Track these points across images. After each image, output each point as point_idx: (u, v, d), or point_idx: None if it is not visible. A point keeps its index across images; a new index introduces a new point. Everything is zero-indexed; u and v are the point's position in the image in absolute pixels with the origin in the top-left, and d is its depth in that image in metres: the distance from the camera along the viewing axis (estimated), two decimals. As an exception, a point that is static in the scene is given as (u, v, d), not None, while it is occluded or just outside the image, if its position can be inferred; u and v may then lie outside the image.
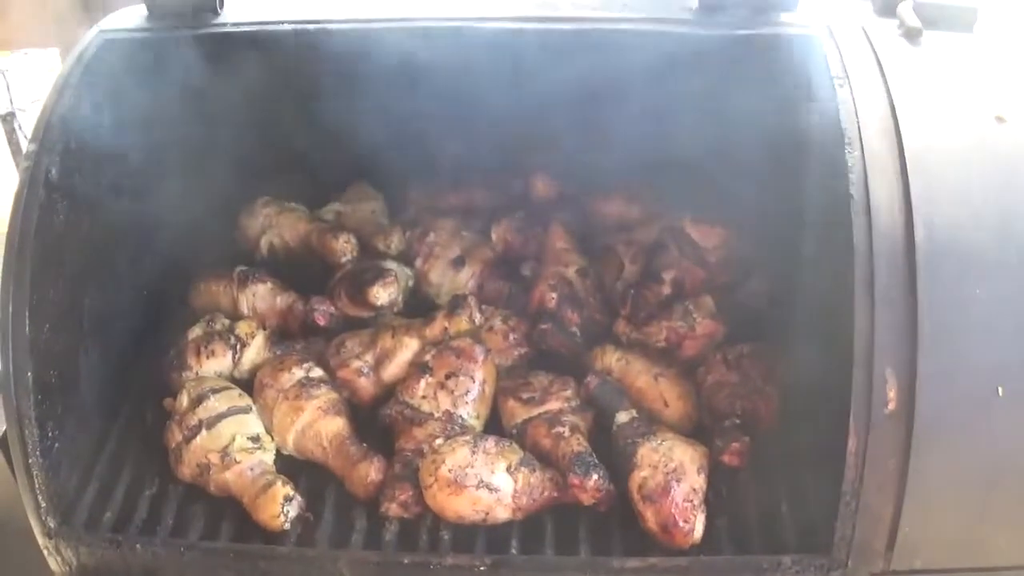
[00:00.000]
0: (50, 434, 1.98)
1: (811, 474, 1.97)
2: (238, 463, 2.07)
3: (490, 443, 2.03)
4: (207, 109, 2.35)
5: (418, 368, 2.23)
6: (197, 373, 2.32)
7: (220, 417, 2.14)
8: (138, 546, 1.93)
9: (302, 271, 2.65)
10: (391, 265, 2.57)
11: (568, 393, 2.20)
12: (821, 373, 1.87)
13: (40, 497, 1.94)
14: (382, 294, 2.45)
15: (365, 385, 2.28)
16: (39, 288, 1.95)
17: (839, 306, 1.73)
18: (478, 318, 2.34)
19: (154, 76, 2.22)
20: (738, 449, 2.04)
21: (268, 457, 2.13)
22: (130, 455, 2.21)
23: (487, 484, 1.96)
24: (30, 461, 1.92)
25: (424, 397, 2.18)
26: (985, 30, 2.02)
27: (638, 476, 1.97)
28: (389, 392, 2.26)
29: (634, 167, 2.57)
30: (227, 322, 2.42)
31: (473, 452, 2.00)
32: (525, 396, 2.19)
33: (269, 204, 2.78)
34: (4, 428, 1.96)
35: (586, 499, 1.97)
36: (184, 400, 2.19)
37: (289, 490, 2.02)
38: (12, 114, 4.04)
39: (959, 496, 1.72)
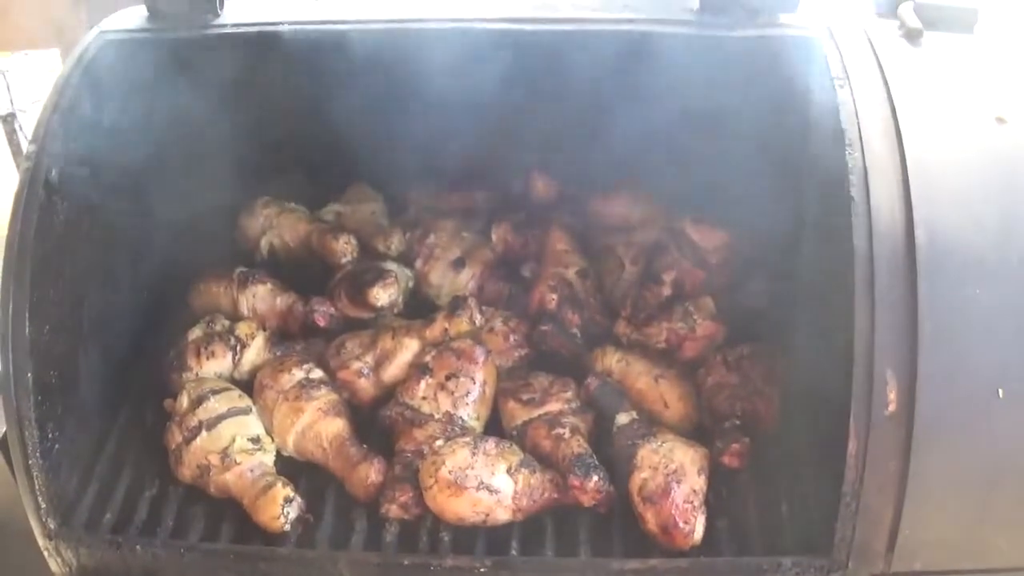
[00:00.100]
0: (50, 435, 1.98)
1: (811, 475, 1.97)
2: (238, 464, 2.07)
3: (490, 444, 2.03)
4: (207, 110, 2.34)
5: (418, 369, 2.23)
6: (197, 374, 2.32)
7: (220, 418, 2.14)
8: (138, 547, 1.93)
9: (302, 272, 2.65)
10: (391, 266, 2.57)
11: (568, 394, 2.20)
12: (821, 374, 1.88)
13: (40, 498, 1.94)
14: (382, 295, 2.44)
15: (365, 386, 2.28)
16: (39, 289, 1.94)
17: (839, 307, 1.73)
18: (478, 319, 2.34)
19: (154, 77, 2.22)
20: (738, 450, 2.04)
21: (268, 458, 2.13)
22: (130, 456, 2.22)
23: (487, 485, 1.96)
24: (30, 462, 1.92)
25: (424, 398, 2.18)
26: (986, 31, 2.02)
27: (638, 477, 1.97)
28: (389, 393, 2.26)
29: (634, 168, 2.57)
30: (227, 323, 2.42)
31: (473, 453, 2.00)
32: (525, 397, 2.19)
33: (269, 205, 2.77)
34: (4, 429, 1.96)
35: (586, 500, 1.96)
36: (184, 401, 2.19)
37: (289, 491, 2.02)
38: (12, 115, 4.04)
39: (959, 497, 1.72)
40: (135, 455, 2.22)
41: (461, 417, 2.15)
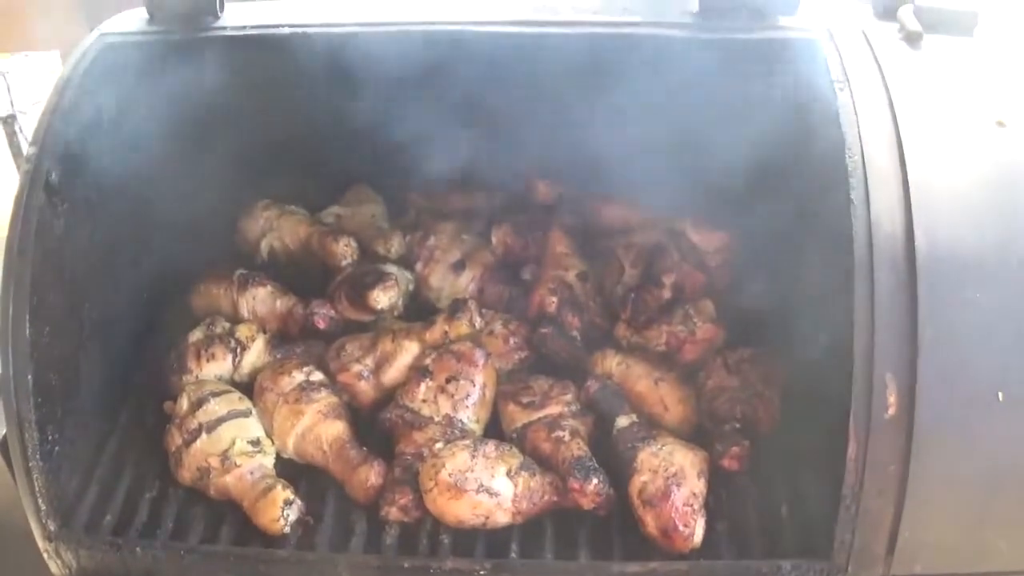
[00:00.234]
0: (50, 437, 1.98)
1: (811, 478, 1.97)
2: (238, 467, 2.07)
3: (490, 447, 2.03)
4: (207, 112, 2.35)
5: (418, 372, 2.23)
6: (197, 376, 2.32)
7: (220, 421, 2.14)
8: (138, 549, 1.93)
9: (302, 274, 2.65)
10: (391, 269, 2.57)
11: (568, 397, 2.20)
12: (821, 377, 1.88)
13: (40, 500, 1.94)
14: (382, 298, 2.44)
15: (365, 389, 2.28)
16: (39, 291, 1.94)
17: (839, 310, 1.73)
18: (478, 322, 2.34)
19: (154, 79, 2.22)
20: (738, 453, 2.04)
21: (268, 461, 2.13)
22: (130, 458, 2.22)
23: (487, 488, 1.96)
24: (30, 464, 1.92)
25: (424, 401, 2.18)
26: (985, 34, 2.02)
27: (638, 480, 1.97)
28: (389, 396, 2.26)
29: (634, 170, 2.57)
30: (227, 325, 2.42)
31: (473, 456, 2.00)
32: (525, 400, 2.19)
33: (269, 207, 2.77)
34: (4, 431, 1.96)
35: (586, 503, 1.96)
36: (184, 403, 2.19)
37: (289, 494, 2.02)
38: (13, 116, 4.04)
39: (959, 500, 1.72)
40: (135, 457, 2.22)
41: (461, 420, 2.15)
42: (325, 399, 2.18)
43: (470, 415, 2.17)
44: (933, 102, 1.85)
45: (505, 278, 2.59)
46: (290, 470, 2.15)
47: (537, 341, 2.37)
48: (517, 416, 2.17)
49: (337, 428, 2.14)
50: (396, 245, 2.66)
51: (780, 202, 2.21)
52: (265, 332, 2.43)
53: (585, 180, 2.71)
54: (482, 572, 1.85)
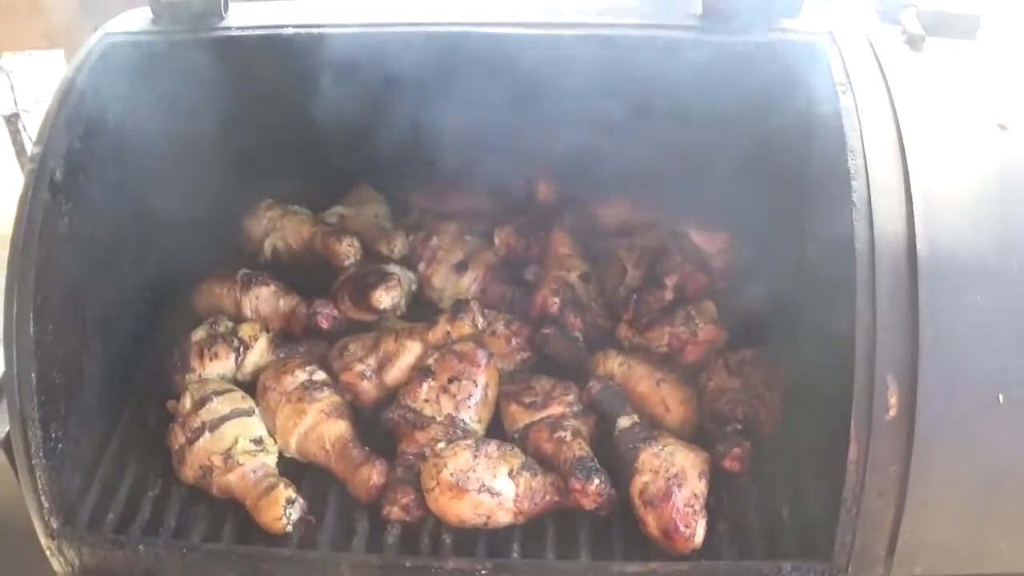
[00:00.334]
0: (53, 435, 1.98)
1: (812, 479, 1.98)
2: (241, 465, 2.08)
3: (492, 447, 2.04)
4: (211, 112, 2.35)
5: (421, 372, 2.23)
6: (200, 375, 2.32)
7: (223, 419, 2.14)
8: (141, 547, 1.93)
9: (305, 274, 2.65)
10: (394, 269, 2.57)
11: (570, 398, 2.20)
12: (822, 378, 1.88)
13: (43, 498, 1.94)
14: (385, 298, 2.45)
15: (368, 388, 2.29)
16: (43, 289, 1.95)
17: (841, 312, 1.73)
18: (481, 322, 2.34)
19: (158, 79, 2.22)
20: (739, 454, 2.04)
21: (271, 460, 2.14)
22: (133, 456, 2.22)
23: (489, 488, 1.96)
24: (33, 462, 1.93)
25: (426, 401, 2.18)
26: (988, 37, 2.03)
27: (639, 481, 1.98)
28: (391, 396, 2.27)
29: (636, 172, 2.58)
30: (230, 324, 2.42)
31: (475, 456, 2.00)
32: (527, 400, 2.19)
33: (273, 207, 2.78)
34: (7, 429, 1.96)
35: (587, 504, 1.97)
36: (187, 402, 2.20)
37: (291, 493, 2.03)
38: (16, 115, 4.03)
39: (960, 502, 1.73)
40: (138, 455, 2.22)
41: (463, 420, 2.16)
42: (328, 398, 2.19)
43: (472, 415, 2.17)
44: (935, 105, 1.86)
45: (508, 279, 2.59)
46: (292, 469, 2.16)
47: (539, 342, 2.38)
48: (519, 416, 2.18)
49: (339, 427, 2.14)
50: (399, 245, 2.67)
51: (782, 203, 2.21)
52: (268, 331, 2.43)
53: (587, 181, 2.71)
54: (483, 572, 1.85)
